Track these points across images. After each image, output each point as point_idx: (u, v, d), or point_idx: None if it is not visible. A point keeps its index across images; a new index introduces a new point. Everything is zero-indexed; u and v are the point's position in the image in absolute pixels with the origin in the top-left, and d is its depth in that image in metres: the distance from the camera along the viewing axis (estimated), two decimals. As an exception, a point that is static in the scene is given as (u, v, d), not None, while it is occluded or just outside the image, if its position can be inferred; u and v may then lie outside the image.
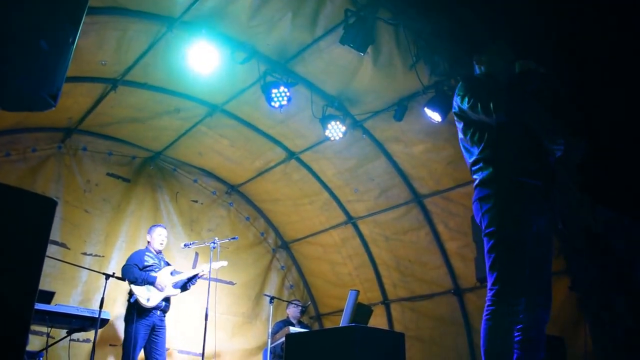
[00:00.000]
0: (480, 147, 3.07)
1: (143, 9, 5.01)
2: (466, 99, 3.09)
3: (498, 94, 3.03)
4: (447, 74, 5.08)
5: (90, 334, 5.26)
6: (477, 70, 3.39)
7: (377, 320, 7.33)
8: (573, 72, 4.23)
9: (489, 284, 2.92)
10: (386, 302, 7.52)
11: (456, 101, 3.20)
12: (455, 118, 3.26)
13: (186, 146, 7.36)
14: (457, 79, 5.13)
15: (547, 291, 3.05)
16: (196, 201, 8.01)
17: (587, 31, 4.04)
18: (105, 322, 5.24)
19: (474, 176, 3.11)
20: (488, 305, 2.89)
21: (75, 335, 5.53)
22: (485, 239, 2.98)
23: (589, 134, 4.67)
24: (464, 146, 3.23)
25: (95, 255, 6.88)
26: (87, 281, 6.64)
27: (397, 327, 7.38)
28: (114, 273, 5.33)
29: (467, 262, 6.31)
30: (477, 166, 3.08)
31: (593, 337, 5.22)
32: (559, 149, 3.21)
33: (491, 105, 2.97)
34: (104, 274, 5.24)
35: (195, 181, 8.03)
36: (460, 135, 3.24)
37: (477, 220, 3.09)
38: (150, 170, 7.63)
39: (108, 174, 7.28)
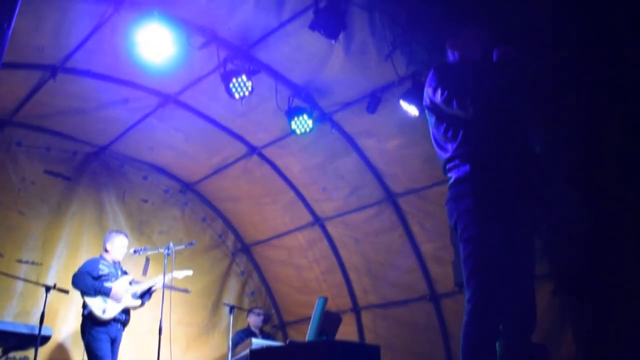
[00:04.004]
0: (456, 144, 3.01)
1: (86, -13, 4.83)
2: (439, 92, 3.03)
3: (474, 86, 2.98)
4: (427, 63, 5.06)
5: (30, 352, 5.05)
6: (451, 56, 3.33)
7: (347, 329, 7.32)
8: (559, 58, 4.28)
9: (466, 295, 2.88)
10: (356, 309, 7.53)
11: (427, 93, 3.14)
12: (427, 112, 3.21)
13: (135, 140, 7.16)
14: (435, 69, 5.13)
15: (531, 298, 3.01)
16: (146, 201, 7.82)
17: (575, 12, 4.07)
18: (46, 339, 5.05)
19: (449, 174, 3.06)
20: (466, 321, 2.85)
21: (12, 354, 5.31)
22: (462, 244, 2.93)
23: (577, 127, 4.74)
24: (436, 142, 3.17)
25: (32, 263, 6.62)
26: (23, 292, 6.38)
27: (369, 336, 7.40)
28: (55, 284, 5.12)
29: (444, 266, 6.32)
30: (453, 163, 3.02)
31: (577, 344, 5.33)
32: (538, 143, 3.22)
33: (468, 99, 2.93)
34: (44, 285, 5.03)
35: (145, 178, 7.83)
36: (432, 130, 3.19)
37: (452, 223, 3.01)
38: (94, 167, 7.39)
39: (46, 172, 7.01)
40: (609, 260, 5.10)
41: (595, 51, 4.26)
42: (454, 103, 2.96)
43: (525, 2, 4.37)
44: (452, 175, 3.02)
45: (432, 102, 3.11)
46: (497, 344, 2.95)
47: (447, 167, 3.07)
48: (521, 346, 2.98)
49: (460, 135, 3.00)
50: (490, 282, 2.82)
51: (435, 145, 3.18)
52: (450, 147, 3.04)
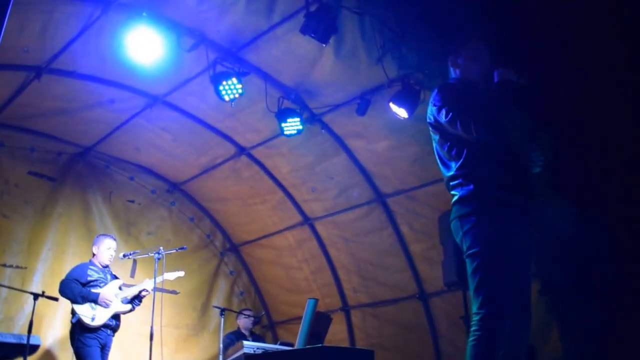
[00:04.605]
0: (459, 163, 3.09)
1: (73, -11, 4.76)
2: (443, 112, 3.09)
3: (477, 110, 3.04)
4: (416, 66, 5.09)
5: (18, 362, 5.00)
6: (453, 73, 3.40)
7: (337, 328, 7.35)
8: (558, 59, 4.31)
9: (474, 307, 2.97)
10: (346, 309, 7.57)
11: (432, 112, 3.20)
12: (431, 129, 3.27)
13: (122, 141, 7.09)
14: (425, 72, 5.15)
15: (527, 311, 3.09)
16: (133, 201, 7.75)
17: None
18: (35, 348, 4.99)
19: (453, 192, 3.14)
20: (474, 330, 2.93)
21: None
22: (468, 260, 3.02)
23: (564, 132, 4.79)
24: (440, 159, 3.25)
25: (17, 267, 6.52)
26: (8, 297, 6.28)
27: (358, 335, 7.45)
28: (43, 292, 5.05)
29: (433, 265, 6.40)
30: (456, 182, 3.10)
31: (562, 343, 5.42)
32: (538, 165, 3.28)
33: (471, 123, 2.98)
34: (32, 293, 4.96)
35: (131, 179, 7.76)
36: (436, 147, 3.26)
37: (457, 240, 3.11)
38: (80, 168, 7.29)
39: (30, 173, 6.89)
40: (595, 261, 5.18)
41: (594, 52, 4.31)
42: (458, 125, 3.03)
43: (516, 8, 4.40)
44: (457, 194, 3.09)
45: (437, 121, 3.17)
46: None
47: (451, 184, 3.14)
48: (519, 354, 3.05)
49: (464, 155, 3.07)
50: (497, 294, 2.91)
51: (439, 162, 3.25)
52: (454, 165, 3.12)
